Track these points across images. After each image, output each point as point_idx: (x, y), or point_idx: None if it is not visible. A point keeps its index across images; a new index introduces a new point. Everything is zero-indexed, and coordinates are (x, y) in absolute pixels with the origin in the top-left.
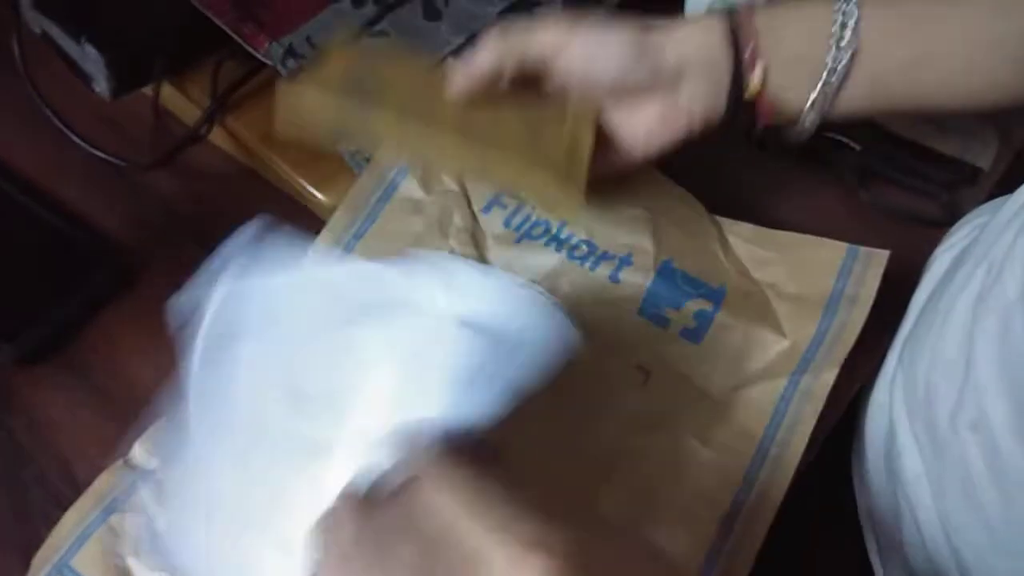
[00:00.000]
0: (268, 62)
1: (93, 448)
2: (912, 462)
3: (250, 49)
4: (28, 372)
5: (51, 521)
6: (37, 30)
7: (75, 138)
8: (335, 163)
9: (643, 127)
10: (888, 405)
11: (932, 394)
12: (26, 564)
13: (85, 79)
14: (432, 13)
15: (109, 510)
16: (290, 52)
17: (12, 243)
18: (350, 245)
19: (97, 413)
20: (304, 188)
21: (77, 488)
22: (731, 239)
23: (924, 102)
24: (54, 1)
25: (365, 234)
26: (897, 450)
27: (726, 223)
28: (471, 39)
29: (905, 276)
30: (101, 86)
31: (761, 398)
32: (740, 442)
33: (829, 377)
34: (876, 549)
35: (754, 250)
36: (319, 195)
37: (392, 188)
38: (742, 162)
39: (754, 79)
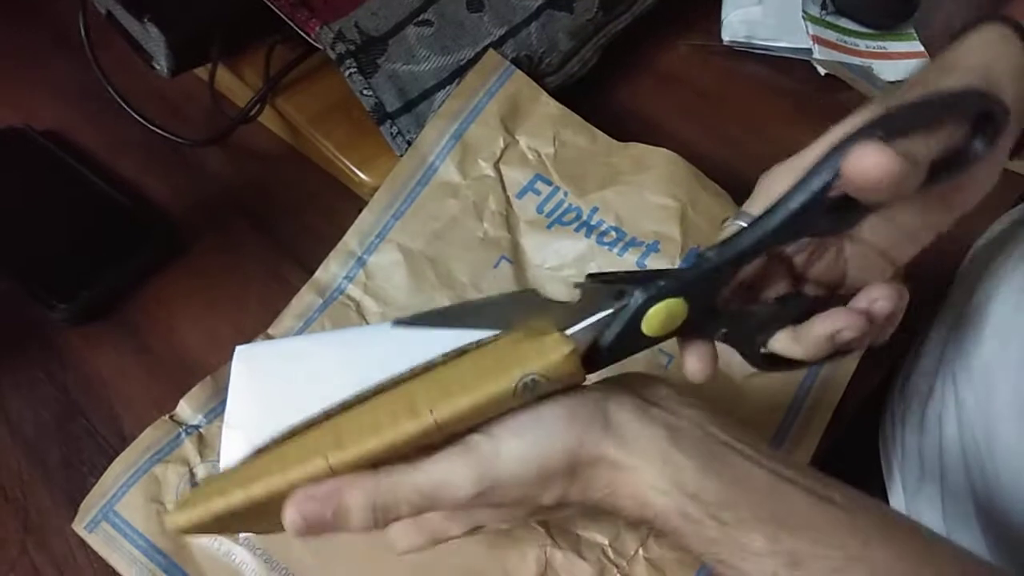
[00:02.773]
0: (319, 46)
1: (140, 403)
2: (951, 438)
3: (302, 33)
4: (83, 331)
5: (99, 470)
6: (103, 11)
7: (135, 116)
8: (378, 145)
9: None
10: (928, 391)
11: (991, 368)
12: (75, 509)
13: (146, 58)
14: (475, 5)
15: (153, 460)
16: (339, 37)
17: (72, 212)
18: (389, 224)
19: (145, 371)
20: (348, 168)
21: (124, 440)
22: None
23: None
24: None
25: (404, 214)
26: (938, 428)
27: None
28: (512, 31)
29: (932, 266)
30: (160, 65)
31: (781, 384)
32: (758, 427)
33: (850, 366)
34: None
35: None
36: (362, 175)
37: (431, 171)
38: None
39: None
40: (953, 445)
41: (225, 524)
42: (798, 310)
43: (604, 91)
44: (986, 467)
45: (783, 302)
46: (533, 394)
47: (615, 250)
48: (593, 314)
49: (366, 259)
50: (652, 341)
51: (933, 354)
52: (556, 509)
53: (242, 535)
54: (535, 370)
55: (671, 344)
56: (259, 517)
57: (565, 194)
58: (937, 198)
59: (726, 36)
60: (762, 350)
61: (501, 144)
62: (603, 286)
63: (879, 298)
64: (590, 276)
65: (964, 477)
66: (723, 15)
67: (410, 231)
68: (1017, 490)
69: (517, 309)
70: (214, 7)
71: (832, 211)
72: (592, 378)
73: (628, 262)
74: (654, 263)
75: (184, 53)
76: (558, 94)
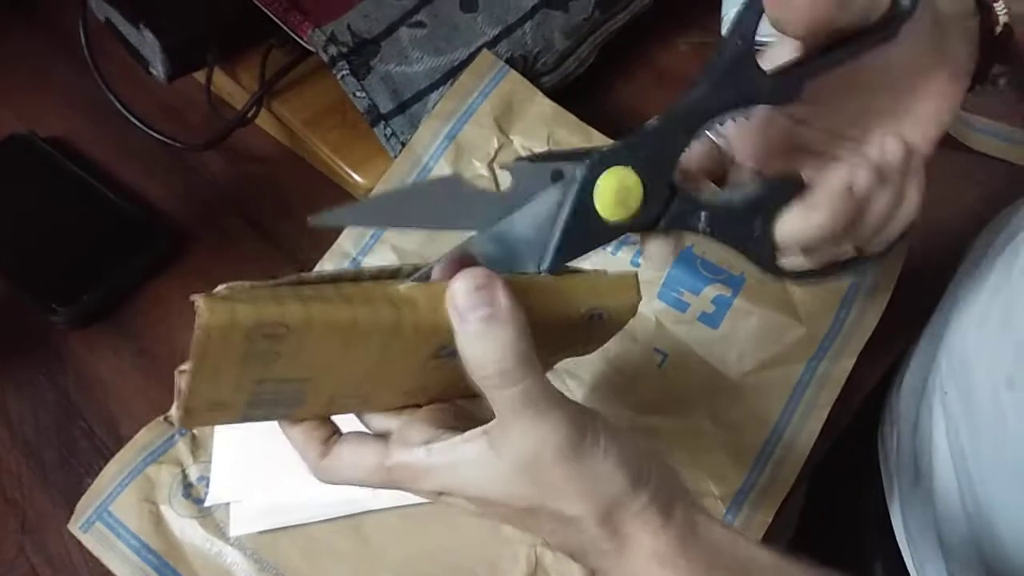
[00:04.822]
0: (312, 49)
1: (137, 406)
2: (940, 436)
3: (295, 36)
4: (82, 334)
5: (95, 471)
6: (101, 18)
7: (135, 121)
8: (372, 147)
9: None
10: (922, 388)
11: (969, 355)
12: (71, 508)
13: (143, 63)
14: (469, 5)
15: (147, 461)
16: (332, 39)
17: (74, 216)
18: None
19: (143, 374)
20: (343, 169)
21: (121, 442)
22: None
23: None
24: None
25: None
26: (930, 425)
27: None
28: (506, 31)
29: (934, 262)
30: (157, 70)
31: (777, 383)
32: (754, 424)
33: (847, 364)
34: (904, 534)
35: None
36: (356, 176)
37: (425, 172)
38: None
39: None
40: (941, 440)
41: (248, 350)
42: (790, 187)
43: (602, 90)
44: (968, 460)
45: (767, 180)
46: (593, 325)
47: (608, 248)
48: (532, 198)
49: (360, 260)
50: (614, 230)
51: (928, 350)
52: (554, 525)
53: (233, 535)
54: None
55: (666, 341)
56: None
57: None
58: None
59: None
60: (778, 259)
61: (495, 144)
62: (539, 165)
63: (887, 138)
64: (520, 159)
65: (952, 473)
66: (723, 12)
67: (404, 233)
68: (997, 481)
69: (445, 200)
70: (209, 12)
71: (774, 76)
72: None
73: (622, 260)
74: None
75: (180, 58)
76: (555, 93)
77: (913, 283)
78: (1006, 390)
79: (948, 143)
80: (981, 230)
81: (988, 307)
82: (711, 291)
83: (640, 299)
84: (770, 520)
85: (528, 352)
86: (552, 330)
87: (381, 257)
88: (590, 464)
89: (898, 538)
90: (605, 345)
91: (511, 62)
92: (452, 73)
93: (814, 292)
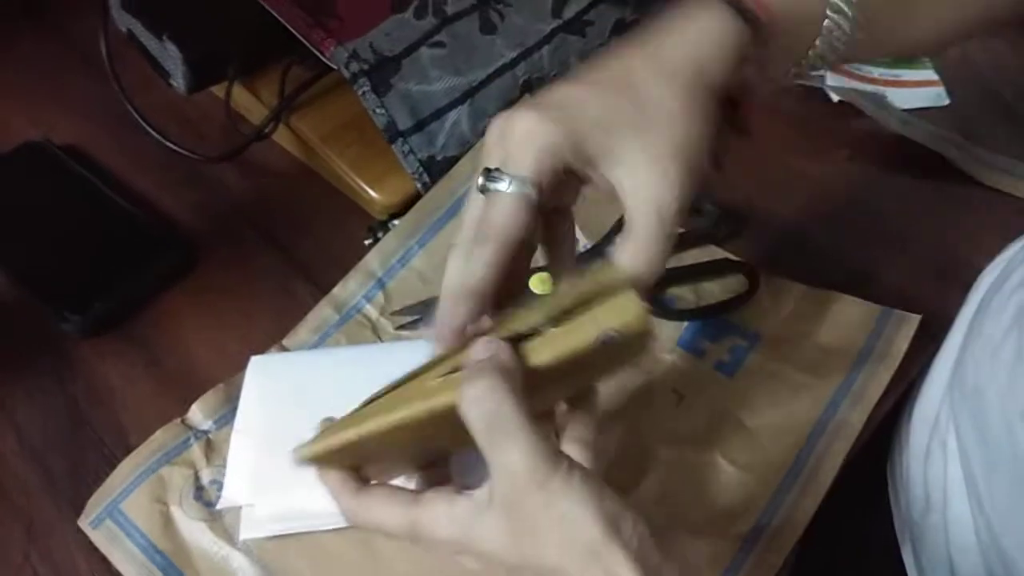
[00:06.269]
0: (333, 66)
1: (147, 416)
2: (954, 467)
3: (317, 53)
4: (94, 343)
5: (102, 480)
6: (124, 29)
7: (152, 132)
8: (389, 164)
9: None
10: (934, 418)
11: (982, 388)
12: (77, 516)
13: (164, 75)
14: (488, 28)
15: (161, 462)
16: (354, 56)
17: (88, 225)
18: (412, 251)
19: (153, 384)
20: (359, 186)
21: (129, 452)
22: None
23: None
24: (140, 1)
25: (428, 243)
26: (943, 456)
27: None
28: (524, 54)
29: (944, 293)
30: (178, 82)
31: (791, 432)
32: (769, 468)
33: (861, 416)
34: (915, 565)
35: (792, 304)
36: (373, 193)
37: (459, 205)
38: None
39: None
40: (955, 470)
41: (341, 457)
42: None
43: None
44: (982, 491)
45: None
46: (608, 347)
47: None
48: None
49: (386, 282)
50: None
51: (939, 381)
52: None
53: (240, 540)
54: (614, 327)
55: (683, 384)
56: (364, 455)
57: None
58: None
59: None
60: None
61: None
62: None
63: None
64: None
65: (966, 503)
66: None
67: (433, 262)
68: (1013, 511)
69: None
70: (231, 26)
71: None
72: None
73: None
74: None
75: (202, 71)
76: None
77: (923, 313)
78: (1021, 423)
79: (957, 177)
80: (990, 262)
81: (1004, 340)
82: (728, 341)
83: (644, 312)
84: (781, 563)
85: (511, 395)
86: (569, 371)
87: (407, 283)
88: (560, 501)
89: (907, 569)
90: (624, 383)
91: (528, 84)
92: (470, 92)
93: (829, 354)
